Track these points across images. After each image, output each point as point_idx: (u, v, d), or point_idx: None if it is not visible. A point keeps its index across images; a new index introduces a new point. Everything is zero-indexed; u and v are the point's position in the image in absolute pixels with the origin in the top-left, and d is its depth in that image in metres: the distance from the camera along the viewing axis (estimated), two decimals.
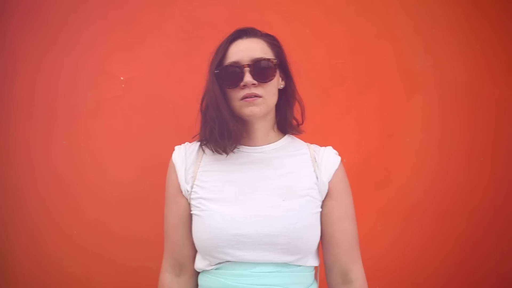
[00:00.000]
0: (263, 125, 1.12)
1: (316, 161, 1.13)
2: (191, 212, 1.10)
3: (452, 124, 1.78)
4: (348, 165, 1.76)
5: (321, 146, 1.28)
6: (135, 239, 1.68)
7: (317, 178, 1.11)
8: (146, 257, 1.68)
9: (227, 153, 1.08)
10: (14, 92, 1.67)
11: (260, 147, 1.13)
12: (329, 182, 1.12)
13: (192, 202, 1.09)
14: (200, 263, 1.10)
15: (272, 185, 1.07)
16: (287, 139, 1.19)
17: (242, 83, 1.05)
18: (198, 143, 1.16)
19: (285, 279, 1.05)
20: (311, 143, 1.28)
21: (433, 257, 1.78)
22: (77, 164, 1.67)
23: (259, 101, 1.06)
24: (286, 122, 1.17)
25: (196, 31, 1.69)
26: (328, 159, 1.14)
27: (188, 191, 1.10)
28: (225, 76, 1.07)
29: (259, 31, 1.15)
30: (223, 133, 1.07)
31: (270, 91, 1.08)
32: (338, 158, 1.18)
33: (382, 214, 1.76)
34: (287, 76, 1.18)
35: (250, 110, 1.05)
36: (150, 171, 1.67)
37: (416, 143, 1.77)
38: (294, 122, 1.20)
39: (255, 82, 1.05)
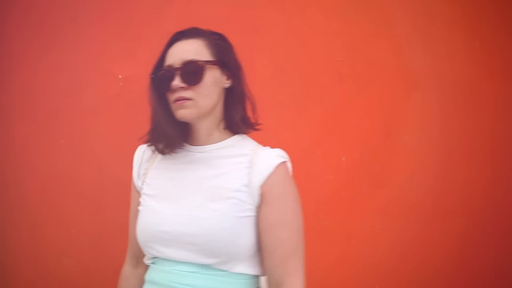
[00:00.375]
0: (206, 125, 1.12)
1: (251, 163, 1.09)
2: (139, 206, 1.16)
3: (451, 123, 1.78)
4: (347, 164, 1.77)
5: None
6: None
7: (248, 181, 1.07)
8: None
9: (164, 154, 1.13)
10: (12, 91, 1.67)
11: (202, 146, 1.13)
12: (262, 186, 1.05)
13: (140, 198, 1.15)
14: (145, 258, 1.15)
15: (205, 185, 1.08)
16: (235, 139, 1.15)
17: (171, 87, 1.07)
18: None
19: (206, 282, 1.03)
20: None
21: (433, 256, 1.78)
22: (75, 162, 1.67)
23: (189, 103, 1.06)
24: (232, 122, 1.15)
25: None
26: (264, 162, 1.08)
27: (139, 187, 1.17)
28: (159, 80, 1.09)
29: (201, 30, 1.14)
30: (159, 135, 1.12)
31: (201, 93, 1.06)
32: (276, 161, 1.08)
33: (381, 212, 1.76)
34: (233, 74, 1.16)
35: (180, 113, 1.07)
36: None
37: (415, 141, 1.77)
38: (245, 121, 1.18)
39: (182, 85, 1.05)
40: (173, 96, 1.06)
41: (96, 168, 1.67)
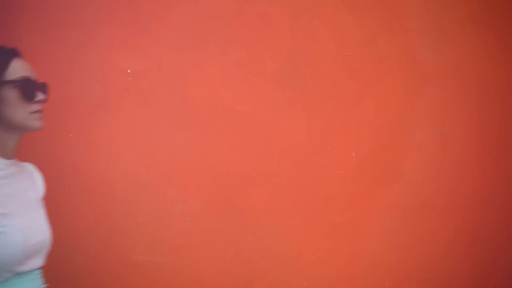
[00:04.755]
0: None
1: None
2: None
3: (464, 118, 1.76)
4: (357, 159, 1.76)
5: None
6: (141, 233, 1.67)
7: None
8: (152, 251, 1.68)
9: None
10: None
11: (12, 160, 1.19)
12: None
13: None
14: None
15: (29, 197, 1.20)
16: None
17: (36, 98, 1.15)
18: None
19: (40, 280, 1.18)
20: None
21: (444, 253, 1.77)
22: (84, 157, 1.67)
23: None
24: None
25: (203, 23, 1.68)
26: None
27: None
28: (23, 88, 1.13)
29: None
30: None
31: None
32: None
33: (392, 208, 1.75)
34: None
35: (40, 123, 1.18)
36: (157, 165, 1.67)
37: (427, 137, 1.75)
38: None
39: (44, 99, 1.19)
40: (34, 107, 1.14)
41: (105, 163, 1.67)
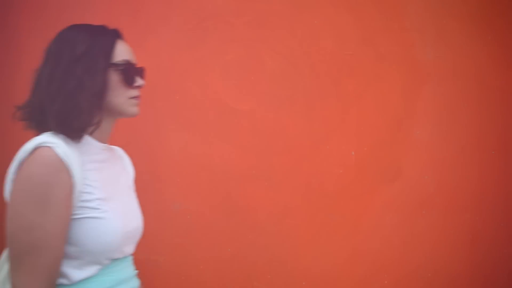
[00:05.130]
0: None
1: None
2: (81, 216, 1.00)
3: (463, 117, 1.76)
4: (357, 158, 1.76)
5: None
6: None
7: None
8: (151, 250, 1.68)
9: (75, 140, 1.04)
10: (22, 85, 1.66)
11: (105, 144, 1.14)
12: None
13: (85, 204, 1.00)
14: (82, 273, 1.01)
15: (123, 182, 1.17)
16: None
17: (137, 83, 1.10)
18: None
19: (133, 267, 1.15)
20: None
21: (443, 252, 1.77)
22: None
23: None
24: None
25: (203, 22, 1.68)
26: None
27: (82, 192, 1.01)
28: (126, 72, 1.09)
29: None
30: (86, 123, 1.04)
31: None
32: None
33: (391, 207, 1.75)
34: None
35: (137, 109, 1.12)
36: (156, 163, 1.67)
37: (426, 136, 1.75)
38: None
39: (143, 84, 1.12)
40: (133, 92, 1.08)
41: None
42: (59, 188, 0.93)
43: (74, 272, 0.99)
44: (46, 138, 0.97)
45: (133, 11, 1.68)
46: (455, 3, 1.76)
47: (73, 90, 1.01)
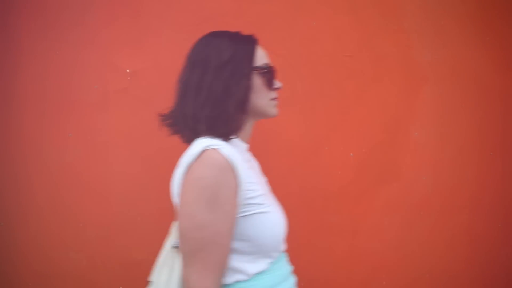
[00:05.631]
0: None
1: None
2: (249, 213, 1.04)
3: (461, 118, 1.77)
4: (355, 160, 1.76)
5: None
6: (139, 232, 1.68)
7: None
8: (150, 250, 1.67)
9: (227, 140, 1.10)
10: (22, 85, 1.67)
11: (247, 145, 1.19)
12: None
13: (251, 201, 1.05)
14: (256, 267, 1.06)
15: (266, 182, 1.22)
16: None
17: (276, 86, 1.15)
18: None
19: None
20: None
21: (441, 253, 1.77)
22: (83, 157, 1.67)
23: None
24: None
25: (203, 23, 1.68)
26: None
27: (246, 190, 1.05)
28: (268, 75, 1.14)
29: None
30: (237, 126, 1.11)
31: None
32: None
33: (389, 208, 1.75)
34: None
35: (277, 110, 1.17)
36: (156, 164, 1.67)
37: (424, 137, 1.76)
38: None
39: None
40: (273, 94, 1.15)
41: (103, 162, 1.68)
42: (227, 187, 0.99)
43: (249, 266, 1.04)
44: (211, 141, 1.02)
45: (133, 12, 1.68)
46: (453, 4, 1.76)
47: (221, 95, 1.07)
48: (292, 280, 1.15)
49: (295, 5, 1.72)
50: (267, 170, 1.73)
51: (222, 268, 1.01)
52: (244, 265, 1.04)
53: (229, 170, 0.99)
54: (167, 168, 1.69)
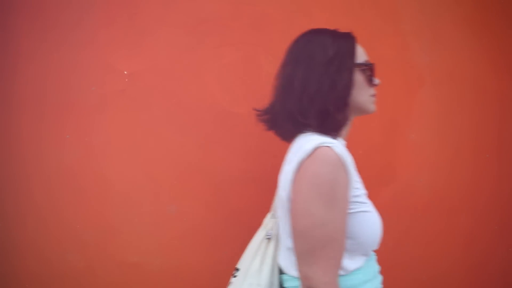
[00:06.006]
0: None
1: None
2: (355, 211, 1.06)
3: (458, 120, 1.77)
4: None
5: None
6: (137, 234, 1.68)
7: None
8: (148, 252, 1.68)
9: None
10: (18, 87, 1.67)
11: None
12: None
13: (357, 199, 1.07)
14: (355, 263, 1.08)
15: None
16: None
17: (375, 83, 1.17)
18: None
19: None
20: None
21: (437, 254, 1.78)
22: (81, 159, 1.67)
23: None
24: None
25: (200, 25, 1.69)
26: None
27: (354, 188, 1.06)
28: (369, 72, 1.17)
29: None
30: (344, 123, 1.13)
31: None
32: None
33: (386, 210, 1.73)
34: None
35: (375, 107, 1.19)
36: (154, 166, 1.67)
37: (421, 139, 1.76)
38: None
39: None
40: (372, 91, 1.17)
41: (101, 164, 1.68)
42: (341, 185, 1.00)
43: (348, 262, 1.06)
44: (324, 139, 1.03)
45: (130, 14, 1.68)
46: (450, 7, 1.77)
47: (328, 90, 1.08)
48: (380, 278, 1.16)
49: (291, 7, 1.73)
50: (265, 173, 1.74)
51: (339, 264, 1.02)
52: (344, 262, 1.05)
53: (342, 167, 1.00)
54: (164, 169, 1.69)
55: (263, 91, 1.76)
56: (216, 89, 1.70)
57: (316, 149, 1.00)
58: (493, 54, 1.77)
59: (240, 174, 1.70)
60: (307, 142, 1.03)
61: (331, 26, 1.73)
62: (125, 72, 1.68)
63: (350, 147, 1.73)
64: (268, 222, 1.23)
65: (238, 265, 1.23)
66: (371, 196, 1.73)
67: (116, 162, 1.68)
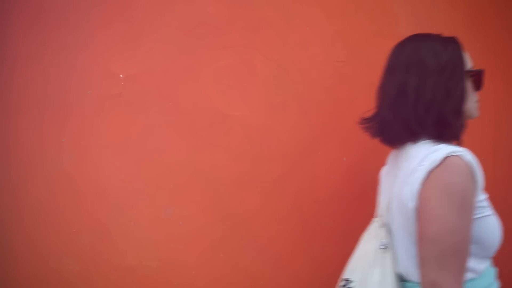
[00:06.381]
0: None
1: None
2: (480, 215, 1.08)
3: None
4: (348, 164, 1.77)
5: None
6: (133, 237, 1.67)
7: None
8: (144, 255, 1.68)
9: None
10: (14, 90, 1.67)
11: None
12: None
13: (481, 203, 1.09)
14: (482, 265, 1.11)
15: None
16: None
17: (481, 88, 1.18)
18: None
19: None
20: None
21: None
22: (76, 162, 1.67)
23: None
24: None
25: (196, 28, 1.69)
26: None
27: (480, 194, 1.08)
28: (479, 77, 1.17)
29: None
30: (462, 130, 1.15)
31: None
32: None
33: None
34: None
35: (479, 112, 1.19)
36: (150, 169, 1.67)
37: None
38: None
39: None
40: (476, 96, 1.16)
41: (97, 167, 1.67)
42: (471, 194, 1.02)
43: (477, 265, 1.09)
44: (452, 148, 1.04)
45: (126, 17, 1.68)
46: (445, 10, 1.78)
47: (443, 98, 1.07)
48: (498, 282, 1.18)
49: (288, 11, 1.73)
50: (260, 174, 1.74)
51: (465, 271, 1.04)
52: (474, 265, 1.08)
53: (472, 176, 1.02)
54: (160, 173, 1.69)
55: (259, 94, 1.77)
56: (212, 92, 1.70)
57: (446, 158, 1.02)
58: (487, 57, 1.78)
59: (236, 177, 1.70)
60: (434, 152, 1.04)
61: (327, 30, 1.76)
62: (121, 76, 1.68)
63: (347, 150, 1.75)
64: (378, 232, 1.22)
65: (348, 276, 1.22)
66: (368, 198, 1.74)
67: (112, 165, 1.68)
